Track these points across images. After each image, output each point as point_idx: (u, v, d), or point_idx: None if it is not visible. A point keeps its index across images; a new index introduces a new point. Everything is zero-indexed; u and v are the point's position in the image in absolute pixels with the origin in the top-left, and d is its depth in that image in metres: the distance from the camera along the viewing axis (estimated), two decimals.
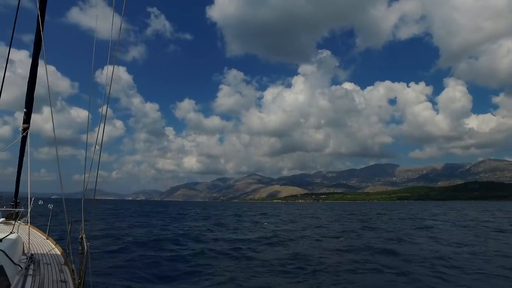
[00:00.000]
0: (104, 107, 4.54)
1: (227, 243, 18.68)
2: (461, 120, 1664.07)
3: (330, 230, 26.60)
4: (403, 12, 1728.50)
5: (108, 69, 4.36)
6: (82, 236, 4.52)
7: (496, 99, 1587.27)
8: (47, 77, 4.95)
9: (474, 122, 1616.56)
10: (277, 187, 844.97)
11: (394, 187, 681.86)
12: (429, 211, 66.73)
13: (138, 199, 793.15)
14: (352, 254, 15.17)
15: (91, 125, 4.99)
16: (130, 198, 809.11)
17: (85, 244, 4.39)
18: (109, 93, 4.57)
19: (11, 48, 5.57)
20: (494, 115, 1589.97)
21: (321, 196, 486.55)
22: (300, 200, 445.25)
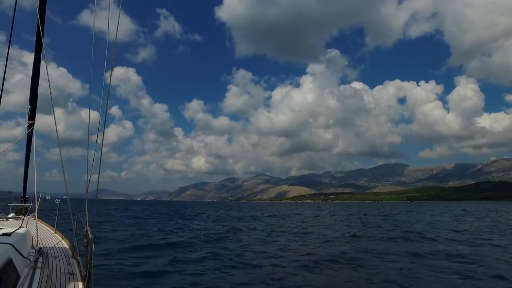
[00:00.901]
0: (111, 107, 4.55)
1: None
2: (473, 119, 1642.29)
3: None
4: (414, 9, 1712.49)
5: (116, 71, 4.49)
6: (86, 229, 4.69)
7: (509, 97, 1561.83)
8: (47, 74, 5.02)
9: (486, 121, 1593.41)
10: (285, 187, 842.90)
11: (404, 187, 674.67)
12: (456, 211, 64.28)
13: (147, 199, 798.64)
14: None
15: (101, 126, 5.09)
16: (139, 199, 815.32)
17: (89, 236, 4.51)
18: (108, 93, 4.68)
19: (22, 51, 5.52)
20: (508, 114, 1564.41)
21: (330, 196, 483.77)
22: (309, 200, 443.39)
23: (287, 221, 37.05)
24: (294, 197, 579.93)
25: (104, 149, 4.85)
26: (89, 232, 4.62)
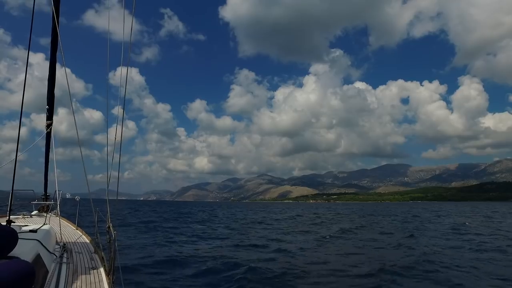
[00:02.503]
0: (120, 109, 4.70)
1: None
2: (477, 119, 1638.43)
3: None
4: (419, 9, 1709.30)
5: (122, 71, 4.44)
6: (109, 226, 4.76)
7: None
8: (66, 76, 5.12)
9: (490, 121, 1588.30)
10: (287, 187, 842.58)
11: (407, 187, 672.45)
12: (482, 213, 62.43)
13: (150, 199, 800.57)
14: None
15: (104, 126, 5.19)
16: (142, 198, 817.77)
17: (112, 233, 4.58)
18: (125, 94, 4.68)
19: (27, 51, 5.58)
20: None
21: (332, 197, 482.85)
22: (311, 201, 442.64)
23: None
24: (296, 197, 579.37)
25: (109, 149, 4.86)
26: (111, 228, 4.68)
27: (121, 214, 42.03)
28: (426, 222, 34.83)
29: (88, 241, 6.93)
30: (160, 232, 22.77)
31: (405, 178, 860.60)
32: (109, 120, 5.32)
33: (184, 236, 20.46)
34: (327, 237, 20.96)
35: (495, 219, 39.04)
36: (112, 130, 4.77)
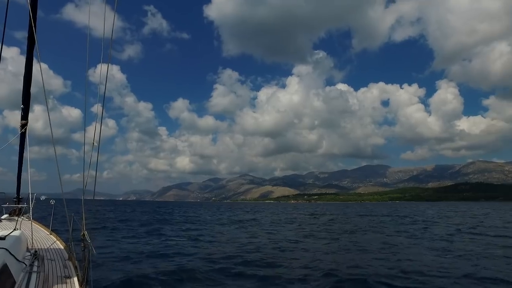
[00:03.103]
0: (98, 106, 4.60)
1: None
2: (452, 122, 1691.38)
3: None
4: (400, 13, 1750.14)
5: (102, 68, 4.32)
6: (84, 233, 4.58)
7: (486, 102, 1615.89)
8: (41, 72, 5.03)
9: (465, 124, 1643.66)
10: (269, 188, 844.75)
11: (386, 188, 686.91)
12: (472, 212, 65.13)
13: (129, 199, 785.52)
14: None
15: (83, 124, 4.99)
16: (121, 199, 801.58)
17: (87, 240, 4.45)
18: (105, 92, 4.53)
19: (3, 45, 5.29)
20: (484, 117, 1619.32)
21: (313, 197, 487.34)
22: (292, 201, 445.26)
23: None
24: (278, 197, 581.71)
25: (86, 148, 4.72)
26: (86, 235, 4.52)
27: (98, 216, 41.05)
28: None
29: (62, 247, 6.59)
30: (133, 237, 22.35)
31: (384, 179, 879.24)
32: (87, 118, 5.16)
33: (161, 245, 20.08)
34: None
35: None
36: (90, 129, 4.63)
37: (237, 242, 18.89)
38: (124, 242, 17.76)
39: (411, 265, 12.43)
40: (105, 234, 20.82)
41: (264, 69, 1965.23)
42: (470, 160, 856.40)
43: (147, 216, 42.56)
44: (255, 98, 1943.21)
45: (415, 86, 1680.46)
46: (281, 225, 32.49)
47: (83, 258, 4.52)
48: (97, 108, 4.55)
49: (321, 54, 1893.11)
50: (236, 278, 10.60)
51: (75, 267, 5.14)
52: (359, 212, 64.22)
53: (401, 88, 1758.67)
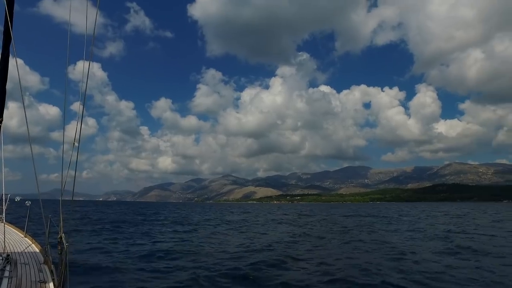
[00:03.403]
0: (79, 105, 4.40)
1: None
2: (431, 125, 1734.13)
3: None
4: (382, 18, 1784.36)
5: (83, 65, 4.13)
6: (61, 236, 4.37)
7: (462, 106, 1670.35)
8: (17, 68, 5.00)
9: (442, 127, 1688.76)
10: (252, 188, 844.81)
11: (367, 188, 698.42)
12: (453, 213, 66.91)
13: (109, 200, 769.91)
14: None
15: (62, 122, 4.86)
16: (101, 199, 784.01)
17: (64, 243, 4.23)
18: (86, 90, 4.35)
19: None
20: (460, 121, 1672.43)
21: (296, 198, 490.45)
22: (275, 202, 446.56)
23: None
24: (260, 198, 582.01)
25: (64, 146, 4.51)
26: (63, 238, 4.30)
27: (77, 217, 39.70)
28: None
29: (37, 251, 6.19)
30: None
31: (366, 180, 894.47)
32: (67, 116, 4.99)
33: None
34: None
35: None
36: (70, 127, 4.44)
37: (239, 244, 18.39)
38: (104, 244, 17.02)
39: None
40: (84, 237, 20.03)
41: (248, 69, 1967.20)
42: (447, 162, 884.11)
43: (129, 217, 41.49)
44: (238, 98, 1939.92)
45: (395, 89, 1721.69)
46: (278, 226, 32.23)
47: (59, 262, 4.31)
48: (77, 107, 4.32)
49: (304, 56, 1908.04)
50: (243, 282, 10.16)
51: (51, 271, 4.91)
52: (346, 213, 64.69)
53: (382, 91, 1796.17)
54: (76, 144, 4.28)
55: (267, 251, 15.58)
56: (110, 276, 10.30)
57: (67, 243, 4.19)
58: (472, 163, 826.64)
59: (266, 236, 22.71)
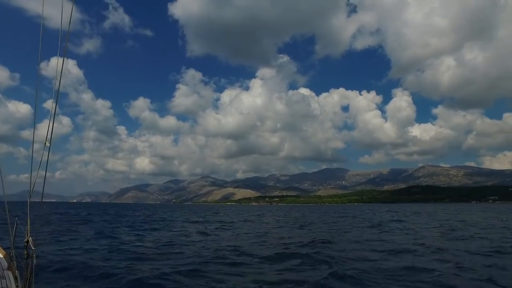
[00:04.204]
0: (52, 102, 4.13)
1: None
2: (406, 128, 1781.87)
3: None
4: (361, 23, 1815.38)
5: (58, 61, 3.90)
6: (28, 239, 4.09)
7: (435, 111, 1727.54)
8: None
9: (417, 130, 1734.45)
10: (231, 190, 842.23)
11: (344, 190, 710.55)
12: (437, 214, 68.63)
13: (84, 201, 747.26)
14: None
15: (33, 120, 4.56)
16: (75, 201, 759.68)
17: (31, 246, 3.97)
18: (59, 87, 4.09)
19: None
20: (434, 125, 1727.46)
21: (275, 199, 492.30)
22: (254, 203, 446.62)
23: None
24: (239, 199, 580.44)
25: (35, 146, 4.27)
26: (30, 241, 4.03)
27: (47, 219, 38.15)
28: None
29: (1, 256, 5.74)
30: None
31: (343, 182, 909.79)
32: (39, 114, 4.69)
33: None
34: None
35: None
36: (42, 126, 4.31)
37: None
38: (75, 249, 16.15)
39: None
40: (54, 240, 18.92)
41: (229, 70, 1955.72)
42: (421, 165, 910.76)
43: (105, 219, 40.22)
44: (218, 99, 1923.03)
45: (373, 93, 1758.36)
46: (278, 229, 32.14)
47: (25, 268, 4.03)
48: (50, 105, 4.10)
49: (285, 58, 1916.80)
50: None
51: (15, 278, 4.53)
52: (338, 214, 65.39)
53: (360, 94, 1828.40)
54: (48, 143, 4.05)
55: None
56: (76, 281, 9.90)
57: (34, 247, 3.92)
58: (444, 165, 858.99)
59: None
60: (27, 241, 4.05)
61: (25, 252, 4.05)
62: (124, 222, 36.87)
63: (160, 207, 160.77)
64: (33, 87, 4.26)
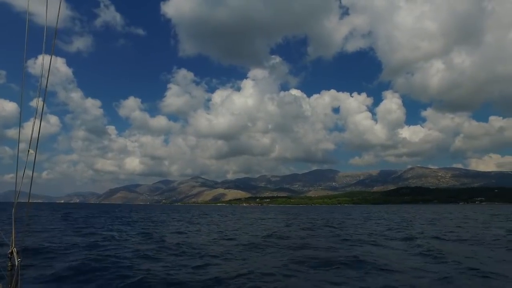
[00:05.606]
0: (39, 101, 3.90)
1: None
2: (396, 130, 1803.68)
3: None
4: (353, 26, 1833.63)
5: (44, 59, 3.73)
6: (12, 250, 3.72)
7: (424, 113, 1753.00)
8: None
9: (406, 132, 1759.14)
10: (221, 190, 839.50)
11: (334, 191, 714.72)
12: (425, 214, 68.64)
13: (72, 202, 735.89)
14: None
15: (20, 119, 4.35)
16: (62, 201, 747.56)
17: (15, 259, 3.65)
18: (47, 85, 3.87)
19: None
20: (423, 127, 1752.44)
21: (265, 200, 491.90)
22: (244, 204, 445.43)
23: None
24: (230, 200, 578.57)
25: (21, 145, 4.00)
26: (14, 253, 3.71)
27: (35, 222, 36.68)
28: None
29: None
30: None
31: (333, 183, 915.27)
32: (25, 113, 4.46)
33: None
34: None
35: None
36: (28, 125, 3.99)
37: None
38: (64, 258, 14.03)
39: None
40: (40, 249, 16.93)
41: (220, 71, 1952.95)
42: (410, 166, 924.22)
43: (97, 222, 38.93)
44: (209, 100, 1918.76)
45: (364, 95, 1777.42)
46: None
47: (8, 282, 3.68)
48: (37, 103, 3.97)
49: (277, 59, 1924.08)
50: None
51: None
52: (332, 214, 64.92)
53: (351, 96, 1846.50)
54: (32, 151, 3.83)
55: None
56: None
57: (19, 259, 3.59)
58: (432, 167, 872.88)
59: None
60: (11, 252, 3.73)
61: (9, 264, 3.73)
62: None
63: (162, 208, 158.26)
64: (20, 85, 4.06)
